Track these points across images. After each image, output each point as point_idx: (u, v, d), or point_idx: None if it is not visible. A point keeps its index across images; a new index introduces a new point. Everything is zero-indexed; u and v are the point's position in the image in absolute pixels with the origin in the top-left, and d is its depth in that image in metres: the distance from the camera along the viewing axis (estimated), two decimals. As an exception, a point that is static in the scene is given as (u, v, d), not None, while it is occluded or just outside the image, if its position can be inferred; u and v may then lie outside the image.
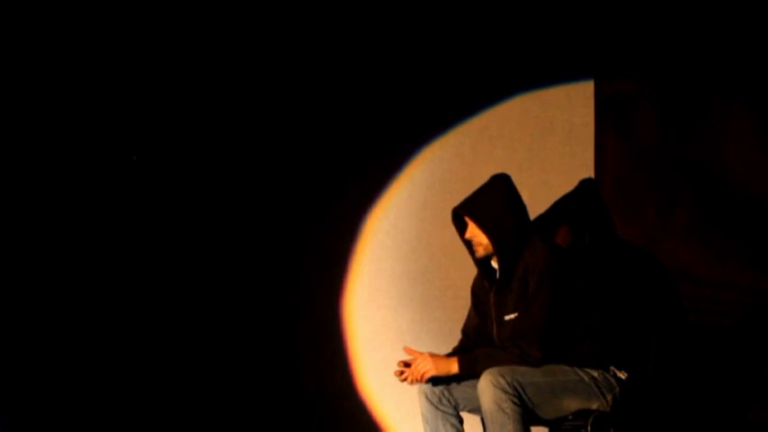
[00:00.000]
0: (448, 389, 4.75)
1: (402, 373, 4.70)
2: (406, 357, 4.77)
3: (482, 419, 4.80)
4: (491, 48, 5.76)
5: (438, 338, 5.60)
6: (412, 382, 4.70)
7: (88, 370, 5.80)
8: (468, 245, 4.80)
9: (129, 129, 5.92)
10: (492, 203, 4.72)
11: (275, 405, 5.91)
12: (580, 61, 5.68)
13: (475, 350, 4.70)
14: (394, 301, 5.90)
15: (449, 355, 4.78)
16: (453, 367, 4.63)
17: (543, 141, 5.73)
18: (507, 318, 4.66)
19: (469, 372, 4.60)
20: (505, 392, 4.44)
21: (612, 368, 4.62)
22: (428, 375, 4.65)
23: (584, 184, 5.51)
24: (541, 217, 5.33)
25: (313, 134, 5.93)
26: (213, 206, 5.92)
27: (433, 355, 4.68)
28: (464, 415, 4.80)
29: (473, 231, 4.73)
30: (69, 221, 5.82)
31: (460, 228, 4.82)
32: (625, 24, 5.63)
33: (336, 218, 5.91)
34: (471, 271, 5.05)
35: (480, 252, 4.74)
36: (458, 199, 4.84)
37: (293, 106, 5.93)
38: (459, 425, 4.76)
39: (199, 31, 5.89)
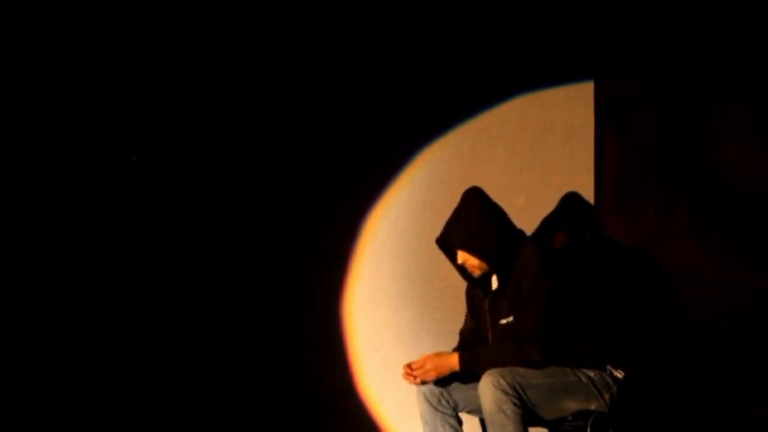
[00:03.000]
0: (447, 390, 4.75)
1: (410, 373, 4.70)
2: (407, 358, 4.77)
3: (481, 420, 4.81)
4: (491, 48, 5.76)
5: (438, 338, 5.60)
6: (415, 380, 4.70)
7: (88, 370, 5.80)
8: (461, 269, 4.77)
9: (129, 129, 5.92)
10: (472, 225, 4.65)
11: (275, 405, 5.91)
12: (580, 62, 5.68)
13: (476, 349, 4.69)
14: (394, 302, 5.91)
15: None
16: (454, 364, 4.63)
17: (543, 142, 5.74)
18: (502, 322, 4.66)
19: (470, 369, 4.60)
20: (506, 394, 4.44)
21: (609, 368, 4.62)
22: (430, 378, 4.66)
23: (569, 196, 5.49)
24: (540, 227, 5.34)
25: (313, 135, 5.93)
26: (213, 206, 5.92)
27: (435, 356, 4.68)
28: (463, 416, 4.80)
29: (464, 257, 4.70)
30: (69, 221, 5.82)
31: (449, 253, 4.79)
32: (625, 24, 5.63)
33: (336, 218, 5.91)
34: (471, 272, 5.06)
35: (477, 273, 4.71)
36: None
37: (293, 107, 5.93)
38: (458, 426, 4.76)
39: (199, 31, 5.89)
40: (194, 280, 5.90)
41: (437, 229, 5.54)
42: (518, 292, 4.60)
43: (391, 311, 5.93)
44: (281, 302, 5.93)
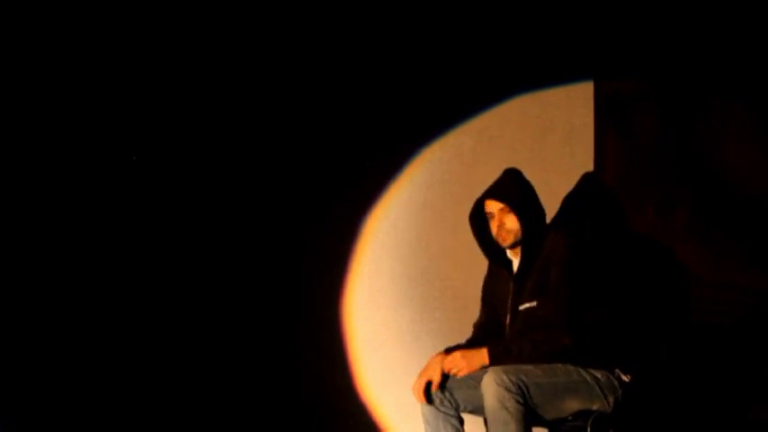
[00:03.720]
0: (449, 390, 4.75)
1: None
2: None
3: (485, 420, 4.82)
4: (491, 48, 5.76)
5: (438, 338, 5.60)
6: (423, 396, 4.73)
7: (88, 370, 5.80)
8: (485, 241, 4.80)
9: (129, 129, 5.92)
10: (520, 190, 4.76)
11: (275, 405, 5.91)
12: (580, 62, 5.68)
13: (503, 341, 4.70)
14: (394, 302, 5.90)
15: (464, 346, 4.80)
16: (484, 358, 4.63)
17: (543, 142, 5.73)
18: (522, 307, 4.66)
19: (501, 362, 4.59)
20: (509, 391, 4.44)
21: (618, 371, 4.62)
22: (463, 373, 4.66)
23: (586, 178, 5.52)
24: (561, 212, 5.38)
25: (313, 134, 5.93)
26: (213, 206, 5.92)
27: (467, 352, 4.68)
28: (465, 416, 4.80)
29: (504, 218, 4.73)
30: (69, 221, 5.82)
31: (478, 221, 4.82)
32: (625, 24, 5.63)
33: (336, 218, 5.91)
34: (470, 272, 5.06)
35: (510, 240, 4.74)
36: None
37: (293, 106, 5.93)
38: (459, 426, 4.77)
39: (199, 30, 5.89)
40: (194, 280, 5.90)
41: (437, 230, 5.56)
42: (544, 277, 4.61)
43: (391, 311, 5.93)
44: (281, 302, 5.93)
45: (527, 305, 4.66)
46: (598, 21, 5.66)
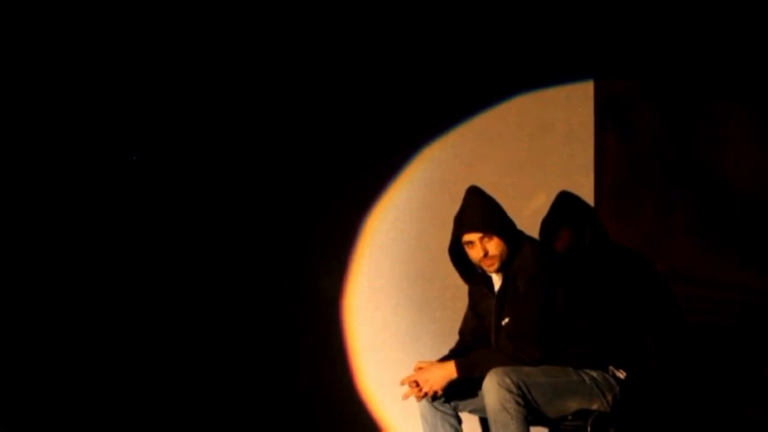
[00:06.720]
0: (448, 389, 4.74)
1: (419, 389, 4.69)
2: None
3: (481, 420, 4.82)
4: (491, 48, 5.76)
5: (438, 339, 5.60)
6: (421, 398, 4.70)
7: (88, 370, 5.80)
8: (465, 268, 4.78)
9: (129, 129, 5.92)
10: (494, 212, 4.71)
11: (276, 405, 5.91)
12: (580, 62, 5.68)
13: (471, 353, 4.70)
14: (393, 302, 5.91)
15: (446, 358, 4.78)
16: (452, 373, 4.63)
17: (543, 142, 5.74)
18: (504, 323, 4.66)
19: (468, 375, 4.61)
20: (510, 392, 4.44)
21: (611, 368, 4.63)
22: (433, 391, 4.65)
23: (563, 195, 5.51)
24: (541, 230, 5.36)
25: (313, 135, 5.93)
26: (213, 207, 5.92)
27: (431, 367, 4.66)
28: (463, 415, 4.80)
29: (487, 245, 4.68)
30: (69, 221, 5.83)
31: (455, 251, 4.79)
32: (625, 25, 5.64)
33: (336, 218, 5.91)
34: (470, 272, 5.05)
35: (496, 265, 4.69)
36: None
37: (293, 106, 5.94)
38: (457, 425, 4.77)
39: (199, 31, 5.89)
40: (194, 280, 5.90)
41: (436, 230, 5.55)
42: (516, 292, 4.61)
43: (391, 312, 5.93)
44: (281, 303, 5.93)
45: (506, 320, 4.65)
46: (598, 21, 5.66)
